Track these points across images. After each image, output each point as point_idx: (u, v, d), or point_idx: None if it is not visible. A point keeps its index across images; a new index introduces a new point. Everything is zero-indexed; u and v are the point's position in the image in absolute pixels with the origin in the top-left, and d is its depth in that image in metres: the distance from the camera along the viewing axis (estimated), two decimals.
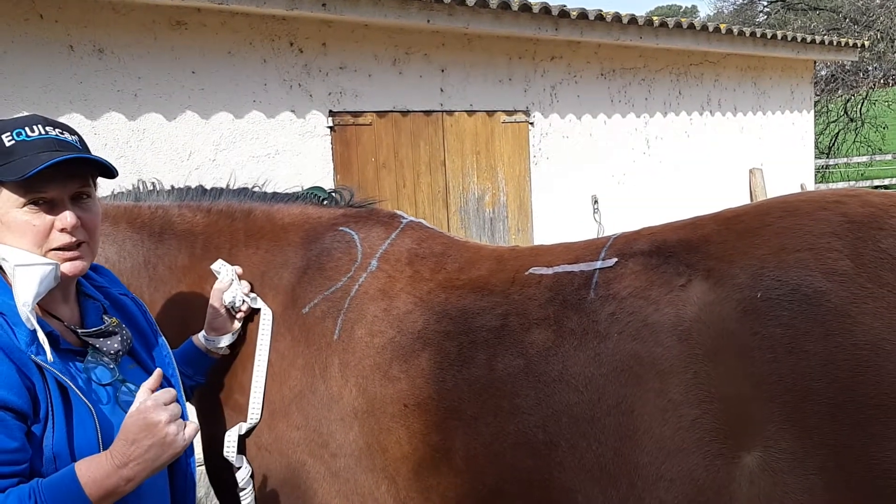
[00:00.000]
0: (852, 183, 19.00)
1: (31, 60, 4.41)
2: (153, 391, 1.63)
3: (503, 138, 6.97)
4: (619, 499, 1.70)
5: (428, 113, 6.39)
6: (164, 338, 1.98)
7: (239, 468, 2.12)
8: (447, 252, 2.20)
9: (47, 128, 1.70)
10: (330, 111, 5.74)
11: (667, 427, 1.65)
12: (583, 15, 6.82)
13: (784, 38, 9.09)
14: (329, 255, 2.25)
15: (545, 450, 1.77)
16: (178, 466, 1.89)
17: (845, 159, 20.44)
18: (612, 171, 7.95)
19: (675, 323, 1.68)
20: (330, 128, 5.74)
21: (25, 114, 4.33)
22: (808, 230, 1.66)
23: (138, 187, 2.52)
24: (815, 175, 12.54)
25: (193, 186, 2.53)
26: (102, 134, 4.69)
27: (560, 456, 1.75)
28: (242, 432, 2.14)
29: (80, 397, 1.64)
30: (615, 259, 1.86)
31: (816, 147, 14.63)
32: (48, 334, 1.64)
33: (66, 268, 1.69)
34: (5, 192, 1.64)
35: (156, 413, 1.58)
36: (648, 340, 1.69)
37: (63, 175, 1.66)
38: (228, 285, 2.20)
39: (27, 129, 1.68)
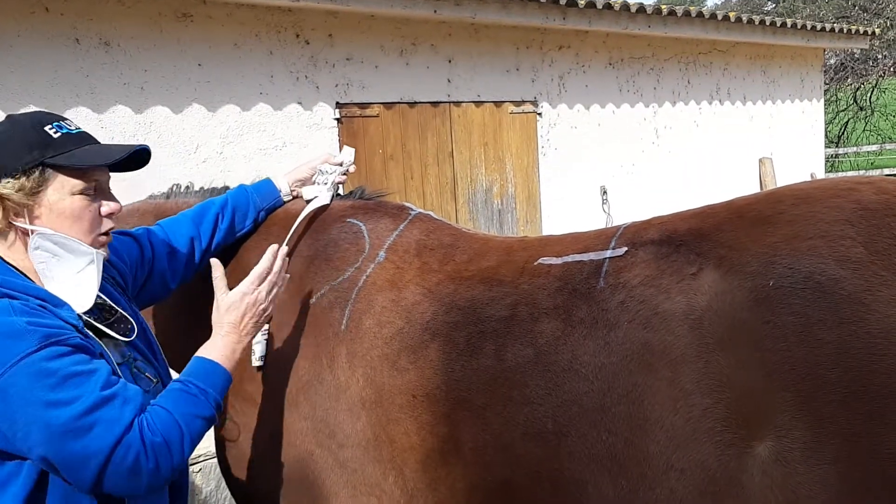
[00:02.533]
0: (862, 172, 18.87)
1: (38, 54, 4.41)
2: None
3: (511, 129, 6.94)
4: (629, 489, 1.69)
5: (435, 104, 6.36)
6: (136, 309, 2.06)
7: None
8: (456, 243, 2.20)
9: (74, 123, 1.82)
10: (337, 103, 5.72)
11: (678, 416, 1.63)
12: (591, 4, 6.78)
13: (794, 26, 9.01)
14: (336, 245, 2.26)
15: (555, 440, 1.76)
16: None
17: (855, 148, 20.30)
18: (620, 161, 7.91)
19: (686, 311, 1.66)
20: (337, 119, 5.72)
21: (34, 109, 4.34)
22: (821, 217, 1.64)
23: (172, 189, 2.73)
24: (825, 165, 12.46)
25: (219, 187, 2.68)
26: (109, 127, 4.69)
27: (570, 446, 1.74)
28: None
29: (120, 375, 1.73)
30: (625, 248, 1.85)
31: (826, 136, 14.54)
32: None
33: (104, 253, 1.81)
34: (60, 178, 1.71)
35: (248, 291, 1.93)
36: (659, 329, 1.68)
37: (103, 165, 1.78)
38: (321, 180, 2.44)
39: (63, 123, 1.78)
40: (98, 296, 1.83)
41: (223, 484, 5.02)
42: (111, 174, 1.85)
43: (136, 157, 1.87)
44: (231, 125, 5.21)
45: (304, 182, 2.47)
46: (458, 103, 6.52)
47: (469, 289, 2.01)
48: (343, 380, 2.06)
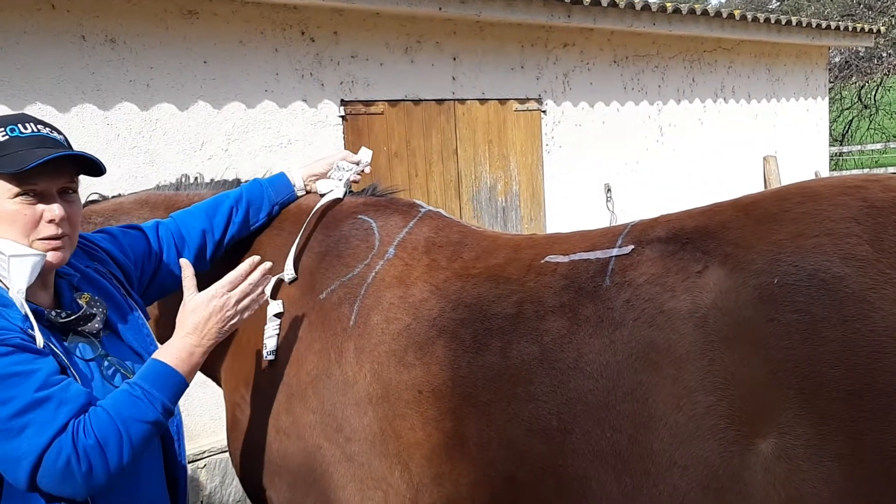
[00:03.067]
0: (866, 170, 18.83)
1: (43, 50, 4.42)
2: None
3: (515, 127, 6.94)
4: (633, 485, 1.70)
5: (440, 101, 6.37)
6: (137, 305, 2.06)
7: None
8: (464, 241, 2.21)
9: (38, 126, 1.80)
10: (342, 100, 5.73)
11: (682, 414, 1.64)
12: (595, 2, 6.78)
13: (798, 24, 9.00)
14: (347, 242, 2.28)
15: (559, 437, 1.76)
16: (169, 449, 1.98)
17: (859, 147, 20.25)
18: (625, 159, 7.91)
19: (691, 310, 1.67)
20: (342, 117, 5.73)
21: (39, 105, 4.35)
22: (827, 215, 1.64)
23: (181, 180, 2.70)
24: (829, 163, 12.44)
25: (230, 179, 2.68)
26: (115, 124, 4.70)
27: (574, 443, 1.75)
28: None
29: (70, 369, 1.73)
30: (632, 246, 1.85)
31: (830, 134, 14.51)
32: (34, 312, 1.73)
33: (52, 257, 1.78)
34: (0, 182, 1.72)
35: (216, 294, 1.89)
36: (664, 327, 1.68)
37: (52, 170, 1.75)
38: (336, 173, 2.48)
39: (20, 125, 1.77)
40: (72, 293, 1.86)
41: (228, 480, 5.04)
42: (83, 176, 1.87)
43: (95, 164, 1.85)
44: (236, 122, 5.22)
45: (320, 177, 2.49)
46: (462, 101, 6.52)
47: (476, 286, 2.02)
48: (351, 374, 2.08)
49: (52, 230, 1.77)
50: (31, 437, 1.56)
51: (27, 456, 1.55)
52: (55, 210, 1.77)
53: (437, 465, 1.94)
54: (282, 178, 2.48)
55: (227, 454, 2.47)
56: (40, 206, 1.76)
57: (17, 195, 1.73)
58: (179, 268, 2.22)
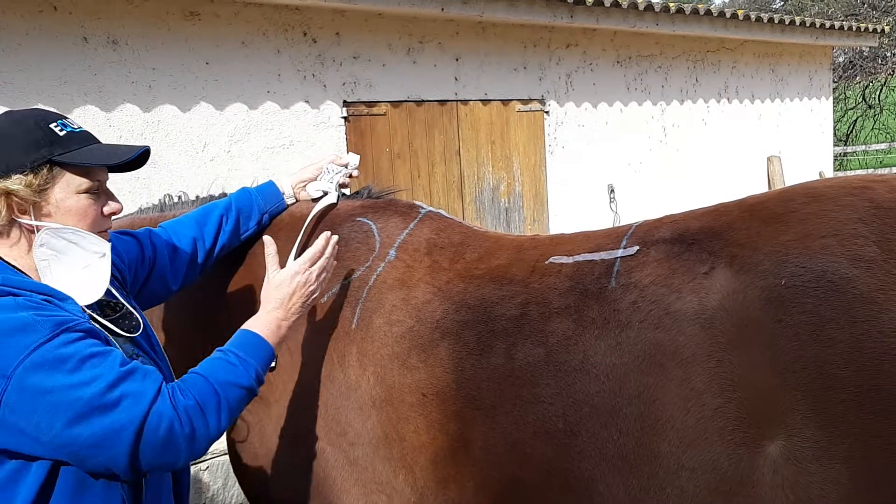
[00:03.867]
0: (871, 170, 18.79)
1: (46, 52, 4.42)
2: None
3: (518, 127, 6.93)
4: (640, 488, 1.69)
5: (442, 102, 6.36)
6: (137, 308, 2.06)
7: None
8: (466, 242, 2.19)
9: (74, 122, 1.81)
10: (344, 101, 5.72)
11: (689, 416, 1.63)
12: (598, 2, 6.77)
13: (802, 23, 8.98)
14: (347, 244, 2.25)
15: (565, 439, 1.75)
16: None
17: (863, 147, 20.21)
18: (628, 159, 7.89)
19: (698, 311, 1.66)
20: (344, 118, 5.72)
21: (42, 107, 4.35)
22: (834, 216, 1.63)
23: (164, 200, 2.67)
24: (834, 163, 12.41)
25: (216, 195, 2.62)
26: (117, 126, 4.70)
27: (580, 445, 1.74)
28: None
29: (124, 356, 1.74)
30: (637, 247, 1.84)
31: (834, 134, 14.47)
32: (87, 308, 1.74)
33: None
34: (67, 176, 1.71)
35: (299, 271, 1.95)
36: (671, 329, 1.67)
37: (111, 165, 1.78)
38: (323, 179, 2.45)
39: (65, 121, 1.77)
40: (108, 290, 1.83)
41: (230, 482, 5.03)
42: (109, 174, 1.86)
43: (137, 158, 1.86)
44: (238, 123, 5.21)
45: (309, 183, 2.46)
46: (465, 101, 6.51)
47: (479, 287, 2.00)
48: (354, 378, 2.06)
49: (108, 223, 1.82)
50: (130, 406, 1.53)
51: (129, 426, 1.52)
52: (115, 205, 1.82)
53: (441, 468, 1.93)
54: (270, 185, 2.45)
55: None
56: (100, 202, 1.78)
57: (87, 189, 1.74)
58: (170, 277, 2.21)
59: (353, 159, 2.48)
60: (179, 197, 2.68)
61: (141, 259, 2.17)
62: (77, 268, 1.72)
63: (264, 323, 1.85)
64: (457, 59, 6.44)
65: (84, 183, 1.73)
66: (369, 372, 2.04)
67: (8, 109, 1.84)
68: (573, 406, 1.75)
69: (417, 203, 2.39)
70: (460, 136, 6.49)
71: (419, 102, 6.19)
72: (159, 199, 2.69)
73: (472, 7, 6.01)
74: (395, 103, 6.04)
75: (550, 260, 1.96)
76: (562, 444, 1.76)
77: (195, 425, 1.60)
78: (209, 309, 2.38)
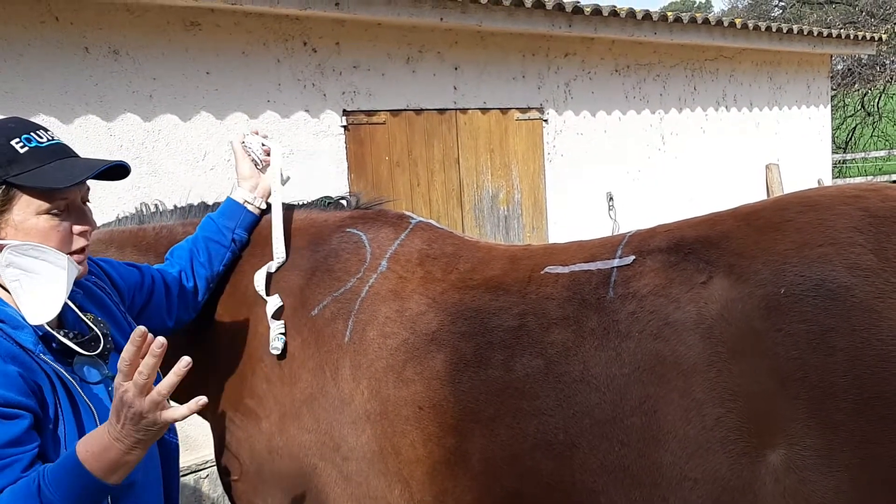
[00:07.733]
0: (870, 178, 18.81)
1: (48, 63, 4.43)
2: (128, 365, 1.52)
3: (517, 136, 6.95)
4: (642, 500, 1.68)
5: (441, 111, 6.37)
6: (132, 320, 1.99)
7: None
8: (459, 252, 2.17)
9: (48, 133, 1.72)
10: (344, 110, 5.73)
11: (690, 426, 1.63)
12: (596, 11, 6.79)
13: (800, 32, 9.00)
14: (337, 256, 2.21)
15: (566, 451, 1.74)
16: (165, 443, 1.92)
17: (862, 154, 20.24)
18: (627, 167, 7.90)
19: (697, 321, 1.66)
20: (344, 127, 5.74)
21: (43, 116, 4.36)
22: (830, 225, 1.64)
23: (141, 210, 2.57)
24: (832, 170, 12.42)
25: (196, 203, 2.56)
26: (118, 135, 4.71)
27: (582, 457, 1.73)
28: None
29: (83, 397, 1.67)
30: (633, 257, 1.84)
31: (833, 142, 14.49)
32: (41, 337, 1.66)
33: (78, 268, 1.71)
34: (25, 198, 1.64)
35: (130, 398, 1.50)
36: (671, 339, 1.67)
37: (67, 188, 1.67)
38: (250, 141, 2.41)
39: (34, 134, 1.69)
40: (76, 311, 1.77)
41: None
42: (106, 182, 1.81)
43: (117, 169, 1.79)
44: (239, 133, 5.21)
45: (252, 176, 2.38)
46: (464, 110, 6.53)
47: (475, 298, 1.98)
48: (347, 392, 2.03)
49: (83, 243, 1.71)
50: None
51: None
52: (88, 223, 1.72)
53: (439, 482, 1.91)
54: (228, 202, 2.37)
55: None
56: (68, 221, 1.69)
57: (47, 210, 1.65)
58: (165, 314, 2.16)
59: (260, 133, 2.45)
60: (156, 206, 2.59)
61: (140, 286, 2.12)
62: (41, 285, 1.64)
63: (95, 441, 1.52)
64: (456, 68, 6.46)
65: (43, 205, 1.64)
66: (363, 385, 2.01)
67: None
68: (574, 418, 1.74)
69: (407, 213, 2.35)
70: (459, 145, 6.51)
71: (418, 111, 6.20)
72: (135, 208, 2.60)
73: (470, 16, 6.03)
74: (395, 112, 6.05)
75: (546, 270, 1.95)
76: (563, 456, 1.74)
77: None
78: (198, 327, 2.35)
